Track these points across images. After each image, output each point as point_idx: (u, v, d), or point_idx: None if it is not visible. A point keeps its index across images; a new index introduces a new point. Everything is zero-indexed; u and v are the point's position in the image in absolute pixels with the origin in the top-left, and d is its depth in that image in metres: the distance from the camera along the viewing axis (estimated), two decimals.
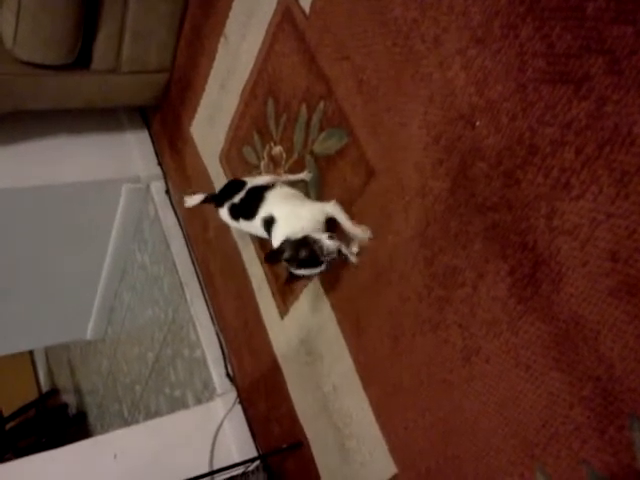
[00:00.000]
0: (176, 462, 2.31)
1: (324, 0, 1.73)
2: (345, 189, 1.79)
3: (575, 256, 1.19)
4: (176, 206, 2.99)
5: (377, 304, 1.72)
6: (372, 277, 1.73)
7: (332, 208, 1.76)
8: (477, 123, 1.35)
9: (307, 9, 1.80)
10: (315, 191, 1.92)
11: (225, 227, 2.45)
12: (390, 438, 1.74)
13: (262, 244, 2.24)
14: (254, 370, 2.44)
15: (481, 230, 1.38)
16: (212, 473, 2.19)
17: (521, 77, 1.24)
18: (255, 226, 1.87)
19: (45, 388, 6.15)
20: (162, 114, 2.95)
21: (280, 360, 2.24)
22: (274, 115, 2.06)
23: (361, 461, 1.86)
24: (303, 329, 2.07)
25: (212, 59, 2.38)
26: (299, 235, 1.68)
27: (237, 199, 1.92)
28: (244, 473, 2.19)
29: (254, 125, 2.19)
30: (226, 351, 2.66)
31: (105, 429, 4.51)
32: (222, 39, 2.29)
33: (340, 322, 1.89)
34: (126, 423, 3.95)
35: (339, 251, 1.68)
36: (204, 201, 2.09)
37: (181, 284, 2.85)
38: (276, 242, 1.75)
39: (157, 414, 3.38)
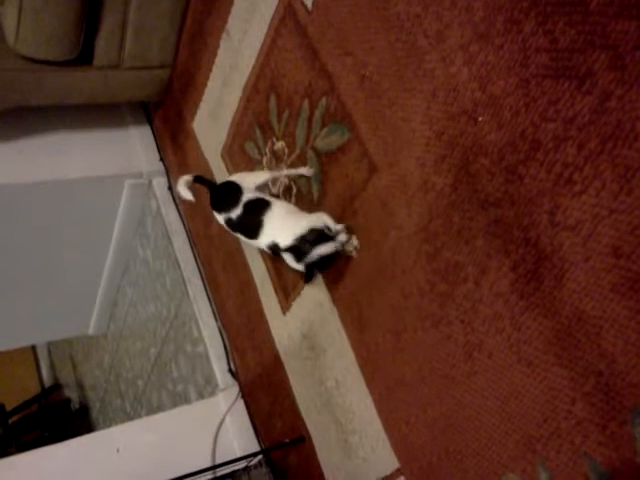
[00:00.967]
0: (178, 456, 2.32)
1: None
2: (347, 185, 1.79)
3: (577, 252, 1.20)
4: (178, 202, 2.99)
5: (379, 299, 1.72)
6: (374, 272, 1.73)
7: (324, 217, 1.78)
8: (480, 119, 1.35)
9: (309, 4, 1.80)
10: (317, 187, 1.92)
11: None
12: (392, 433, 1.75)
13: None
14: (256, 365, 2.45)
15: (484, 226, 1.39)
16: (214, 467, 2.19)
17: (524, 72, 1.24)
18: (257, 244, 1.86)
19: (48, 383, 6.16)
20: (164, 110, 2.95)
21: (282, 355, 2.25)
22: (276, 111, 2.06)
23: (363, 456, 1.87)
24: (305, 324, 2.07)
25: (214, 55, 2.38)
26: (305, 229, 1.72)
27: (234, 215, 1.84)
28: (246, 467, 2.19)
29: (256, 120, 2.19)
30: (228, 346, 2.67)
31: (107, 424, 4.53)
32: (224, 34, 2.29)
33: (342, 317, 1.89)
34: (128, 418, 3.97)
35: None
36: (195, 180, 1.99)
37: (183, 280, 2.85)
38: (292, 263, 1.77)
39: (159, 409, 3.39)
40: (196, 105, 2.60)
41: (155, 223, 3.09)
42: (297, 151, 1.99)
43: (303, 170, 1.95)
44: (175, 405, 3.14)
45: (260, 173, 2.00)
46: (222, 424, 2.48)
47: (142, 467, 2.26)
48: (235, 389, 2.59)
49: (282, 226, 1.79)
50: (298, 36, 1.87)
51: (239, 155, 2.34)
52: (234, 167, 2.38)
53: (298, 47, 1.88)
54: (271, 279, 2.26)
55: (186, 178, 1.97)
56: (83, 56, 2.42)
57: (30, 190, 2.77)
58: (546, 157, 1.23)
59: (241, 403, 2.55)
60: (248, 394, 2.55)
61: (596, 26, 1.10)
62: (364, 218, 1.74)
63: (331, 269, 1.87)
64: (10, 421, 5.20)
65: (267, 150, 2.15)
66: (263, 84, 2.11)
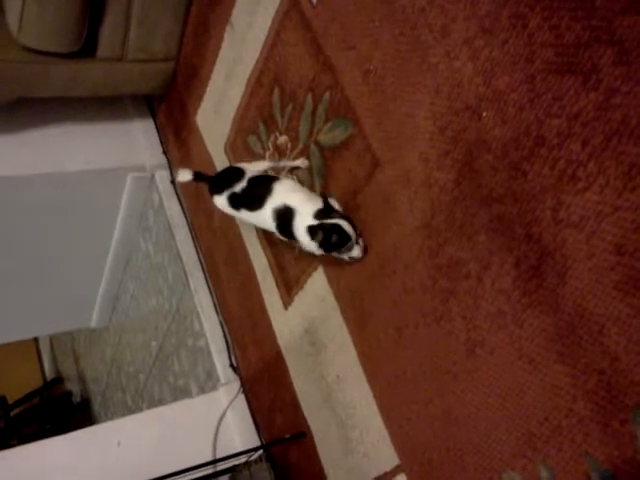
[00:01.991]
0: (179, 450, 2.33)
1: None
2: (350, 179, 1.78)
3: (581, 249, 1.19)
4: (181, 195, 2.99)
5: (381, 295, 1.72)
6: (376, 268, 1.72)
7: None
8: (484, 114, 1.35)
9: None
10: (320, 182, 1.92)
11: (230, 217, 2.45)
12: (393, 429, 1.74)
13: (266, 234, 2.23)
14: (258, 360, 2.45)
15: (486, 222, 1.38)
16: (215, 462, 2.20)
17: (529, 68, 1.24)
18: (260, 217, 1.86)
19: (50, 376, 6.19)
20: (168, 103, 2.94)
21: (284, 350, 2.24)
22: (280, 105, 2.05)
23: (364, 452, 1.86)
24: (307, 319, 2.07)
25: (218, 47, 2.37)
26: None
27: (238, 189, 1.88)
28: (247, 462, 2.19)
29: (259, 114, 2.18)
30: (230, 341, 2.67)
31: (109, 417, 4.54)
32: (228, 27, 2.28)
33: (344, 312, 1.89)
34: (130, 411, 3.97)
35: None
36: (196, 178, 2.01)
37: (185, 273, 2.85)
38: (302, 230, 1.73)
39: (160, 403, 3.39)
40: (200, 98, 2.60)
41: (157, 216, 3.09)
42: (300, 145, 1.98)
43: (299, 162, 1.97)
44: (176, 399, 3.14)
45: (259, 162, 2.02)
46: (223, 418, 2.49)
47: (142, 460, 2.26)
48: (236, 384, 2.59)
49: (293, 193, 1.81)
50: (302, 30, 1.86)
51: (242, 149, 2.34)
52: (237, 161, 2.37)
53: (302, 41, 1.88)
54: (273, 273, 2.26)
55: (187, 174, 2.00)
56: (87, 48, 2.41)
57: (32, 182, 2.77)
58: (550, 153, 1.22)
59: (242, 398, 2.55)
60: (249, 389, 2.55)
61: (602, 21, 1.09)
62: (366, 213, 1.73)
63: (334, 265, 1.87)
64: (12, 413, 5.22)
65: (270, 144, 2.14)
66: (267, 78, 2.10)
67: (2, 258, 3.22)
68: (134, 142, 3.02)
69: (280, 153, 2.09)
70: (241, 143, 2.34)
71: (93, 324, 4.25)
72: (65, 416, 5.23)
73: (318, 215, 1.70)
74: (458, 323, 1.48)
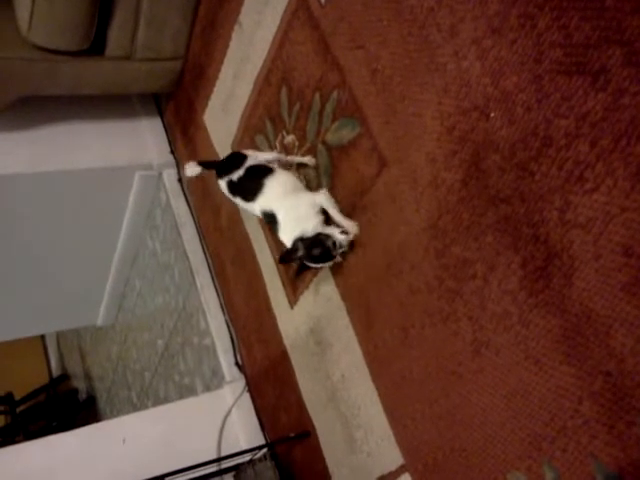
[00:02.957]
0: (184, 448, 2.33)
1: None
2: (357, 179, 1.78)
3: (588, 250, 1.18)
4: (188, 194, 2.99)
5: (387, 295, 1.72)
6: (383, 268, 1.72)
7: (322, 198, 1.83)
8: (491, 114, 1.34)
9: None
10: (327, 181, 1.92)
11: (237, 215, 2.46)
12: (398, 429, 1.74)
13: (272, 232, 2.23)
14: (263, 359, 2.45)
15: (493, 222, 1.38)
16: (219, 460, 2.20)
17: (537, 68, 1.23)
18: (253, 208, 1.92)
19: (56, 373, 6.21)
20: (175, 102, 2.95)
21: (289, 349, 2.25)
22: (287, 104, 2.05)
23: (368, 451, 1.86)
24: (312, 319, 2.07)
25: (226, 46, 2.38)
26: (310, 233, 1.77)
27: (235, 177, 1.92)
28: (251, 460, 2.20)
29: (267, 113, 2.19)
30: (235, 340, 2.67)
31: (114, 414, 4.55)
32: (237, 26, 2.28)
33: (350, 312, 1.89)
34: (135, 409, 3.99)
35: (351, 243, 1.76)
36: (204, 167, 2.05)
37: (192, 272, 2.86)
38: (286, 239, 1.83)
39: (166, 401, 3.40)
40: (207, 97, 2.60)
41: (164, 215, 3.10)
42: (307, 145, 1.98)
43: (306, 159, 1.98)
44: (181, 397, 3.15)
45: (267, 153, 2.05)
46: (228, 417, 2.49)
47: (147, 458, 2.27)
48: (241, 382, 2.59)
49: (280, 196, 1.86)
50: (310, 29, 1.87)
51: (249, 148, 2.33)
52: None
53: (310, 40, 1.88)
54: (279, 273, 2.26)
55: (195, 168, 2.04)
56: (95, 46, 2.42)
57: (40, 180, 2.78)
58: (558, 154, 1.22)
59: (247, 396, 2.56)
60: (254, 387, 2.55)
61: (611, 21, 1.09)
62: (373, 213, 1.73)
63: (340, 264, 1.87)
64: (18, 410, 5.25)
65: (277, 143, 2.15)
66: (275, 77, 2.10)
67: (9, 255, 3.23)
68: (142, 141, 3.03)
69: (287, 152, 2.09)
70: (248, 142, 2.34)
71: (99, 322, 4.26)
72: (71, 413, 5.24)
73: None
74: (464, 323, 1.48)
